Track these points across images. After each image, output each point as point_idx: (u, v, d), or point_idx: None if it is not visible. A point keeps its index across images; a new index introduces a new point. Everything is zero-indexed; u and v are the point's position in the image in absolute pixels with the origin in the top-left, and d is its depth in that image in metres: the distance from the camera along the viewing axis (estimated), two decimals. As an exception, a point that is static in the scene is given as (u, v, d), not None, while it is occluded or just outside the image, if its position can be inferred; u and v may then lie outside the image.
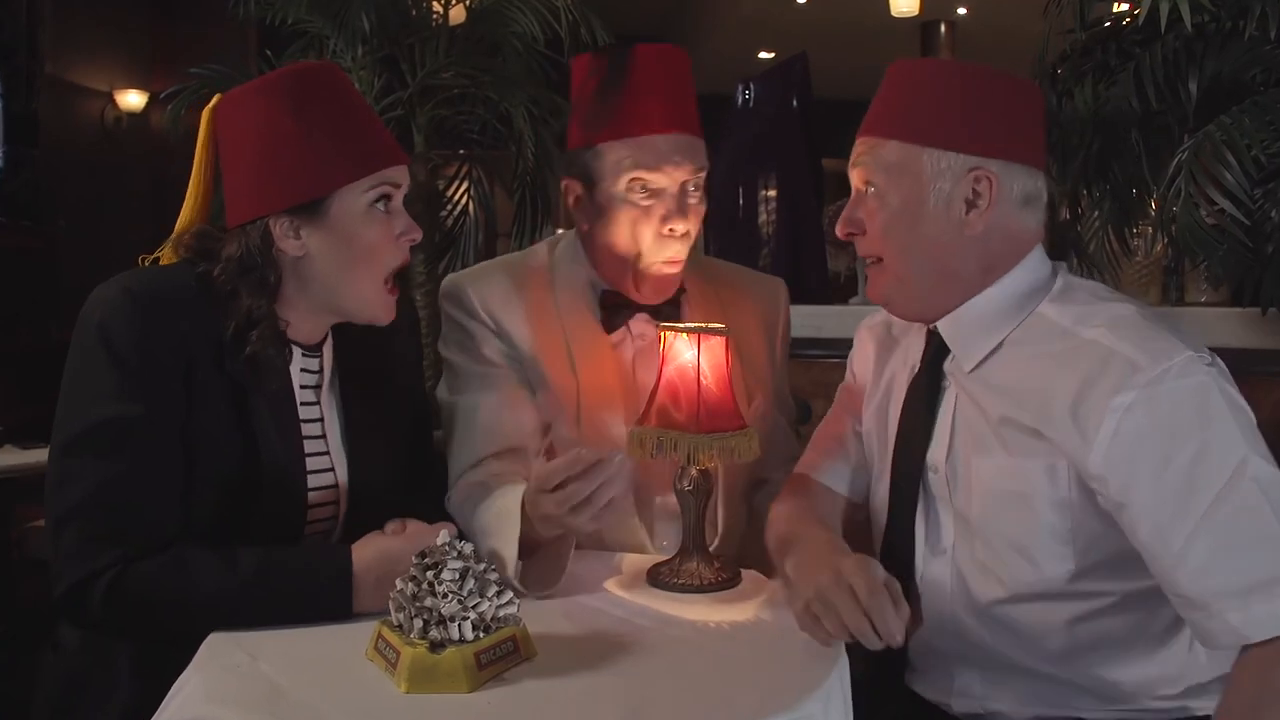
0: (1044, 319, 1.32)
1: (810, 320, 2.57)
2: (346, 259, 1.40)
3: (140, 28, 6.83)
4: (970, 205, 1.32)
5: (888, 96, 1.38)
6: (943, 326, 1.39)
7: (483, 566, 1.15)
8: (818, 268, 3.60)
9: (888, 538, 1.45)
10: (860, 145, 1.39)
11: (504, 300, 1.67)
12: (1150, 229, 2.42)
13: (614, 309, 1.66)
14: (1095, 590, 1.29)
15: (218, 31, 5.33)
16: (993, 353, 1.35)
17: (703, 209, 1.63)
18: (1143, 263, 2.43)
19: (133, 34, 6.79)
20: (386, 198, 1.41)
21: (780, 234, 3.52)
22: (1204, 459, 1.16)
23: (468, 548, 1.15)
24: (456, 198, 3.22)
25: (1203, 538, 1.14)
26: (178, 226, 1.49)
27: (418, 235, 1.45)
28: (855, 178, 1.40)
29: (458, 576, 1.12)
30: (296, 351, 1.47)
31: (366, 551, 1.32)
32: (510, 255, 1.81)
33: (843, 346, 2.79)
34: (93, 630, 1.35)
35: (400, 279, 1.48)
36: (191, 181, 1.49)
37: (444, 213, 3.21)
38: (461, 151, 3.33)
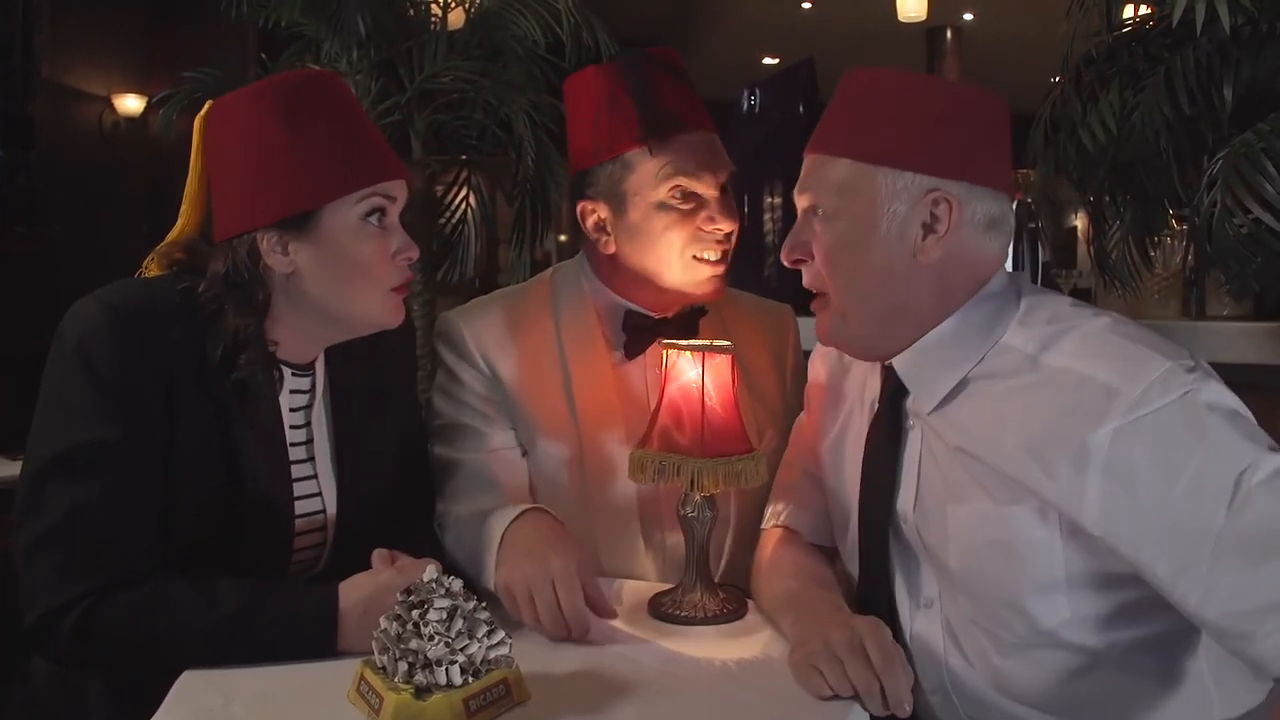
0: (1009, 349, 1.20)
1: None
2: (337, 277, 1.32)
3: (138, 31, 6.77)
4: (927, 230, 1.21)
5: (839, 110, 1.27)
6: (898, 364, 1.27)
7: (472, 605, 1.07)
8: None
9: (863, 594, 1.33)
10: (807, 164, 1.28)
11: (499, 338, 1.59)
12: (1170, 240, 2.35)
13: (638, 331, 1.57)
14: (1097, 642, 1.18)
15: (217, 36, 5.27)
16: (955, 391, 1.23)
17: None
18: (1163, 275, 2.36)
19: (131, 38, 6.74)
20: (380, 211, 1.33)
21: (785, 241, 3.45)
22: (1207, 477, 1.04)
23: (456, 584, 1.08)
24: (455, 205, 3.15)
25: (1226, 559, 1.02)
26: (169, 237, 1.42)
27: (415, 254, 1.37)
28: (802, 200, 1.28)
29: (445, 616, 1.04)
30: (286, 372, 1.40)
31: (355, 588, 1.25)
32: (510, 288, 1.73)
33: (850, 358, 2.73)
34: (62, 665, 1.28)
35: None
36: (187, 191, 1.42)
37: (442, 220, 3.14)
38: (461, 157, 3.26)
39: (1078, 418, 1.09)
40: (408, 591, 1.08)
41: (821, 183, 1.25)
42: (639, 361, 1.58)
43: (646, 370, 1.58)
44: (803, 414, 1.55)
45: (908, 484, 1.28)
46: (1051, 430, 1.11)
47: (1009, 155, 1.28)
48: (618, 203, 1.53)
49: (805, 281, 1.30)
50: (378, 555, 1.30)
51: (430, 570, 1.09)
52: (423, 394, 1.78)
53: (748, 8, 8.66)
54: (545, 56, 3.02)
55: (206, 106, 1.37)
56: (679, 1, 9.45)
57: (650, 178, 1.49)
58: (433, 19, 3.01)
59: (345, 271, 1.32)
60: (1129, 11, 2.08)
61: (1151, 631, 1.16)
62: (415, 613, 1.05)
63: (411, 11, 2.95)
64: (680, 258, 1.52)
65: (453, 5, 3.03)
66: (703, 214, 1.50)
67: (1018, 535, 1.16)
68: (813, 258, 1.27)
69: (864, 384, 1.39)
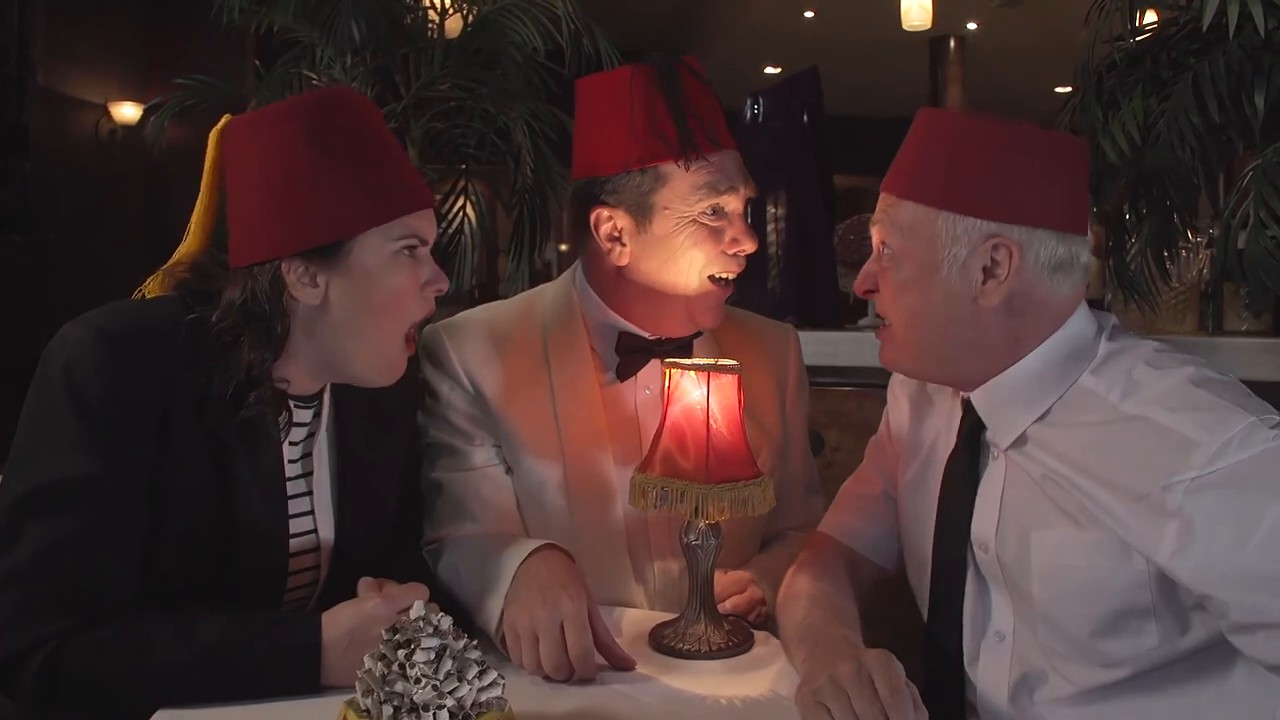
0: (1087, 393, 1.20)
1: (823, 347, 2.43)
2: (366, 310, 1.27)
3: (136, 39, 6.73)
4: (988, 275, 1.22)
5: (909, 151, 1.29)
6: (976, 399, 1.29)
7: (462, 644, 1.00)
8: (828, 289, 3.47)
9: (932, 625, 1.31)
10: (880, 201, 1.30)
11: (484, 355, 1.53)
12: (1184, 252, 2.28)
13: (631, 353, 1.51)
14: (1177, 686, 1.16)
15: (215, 44, 5.22)
16: (1033, 425, 1.23)
17: None
18: (1179, 289, 2.30)
19: (129, 45, 6.69)
20: (414, 249, 1.29)
21: (789, 254, 3.39)
22: None
23: (445, 622, 1.01)
24: (452, 214, 3.08)
25: None
26: (176, 256, 1.35)
27: (444, 285, 1.32)
28: (874, 235, 1.31)
29: (433, 657, 0.98)
30: (292, 406, 1.33)
31: (339, 619, 1.18)
32: (497, 303, 1.67)
33: (856, 375, 2.66)
34: (28, 705, 1.21)
35: None
36: (197, 209, 1.35)
37: (439, 229, 3.07)
38: (459, 166, 3.20)
39: (1156, 466, 1.09)
40: (393, 629, 1.01)
41: (889, 222, 1.27)
42: (629, 380, 1.53)
43: (637, 390, 1.53)
44: (883, 431, 1.54)
45: (989, 513, 1.27)
46: (1130, 475, 1.11)
47: (1082, 195, 1.27)
48: (642, 214, 1.46)
49: (877, 309, 1.35)
50: (364, 584, 1.23)
51: (418, 606, 1.02)
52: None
53: (750, 16, 8.62)
54: (545, 64, 2.95)
55: (223, 121, 1.31)
56: (681, 9, 9.41)
57: (686, 193, 1.44)
58: (430, 25, 2.95)
59: (373, 306, 1.26)
60: (1149, 17, 2.01)
61: (1230, 684, 1.15)
62: (401, 652, 0.99)
63: (408, 18, 2.88)
64: (698, 276, 1.47)
65: (450, 11, 2.96)
66: (729, 235, 1.46)
67: (1105, 561, 1.15)
68: (879, 290, 1.31)
69: (949, 416, 1.38)
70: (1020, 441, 1.24)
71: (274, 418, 1.27)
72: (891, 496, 1.47)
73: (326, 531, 1.38)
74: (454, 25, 3.01)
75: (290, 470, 1.35)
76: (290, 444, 1.35)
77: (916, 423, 1.45)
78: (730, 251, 1.47)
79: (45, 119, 5.90)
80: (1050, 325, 1.24)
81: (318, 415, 1.38)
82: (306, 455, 1.38)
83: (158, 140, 2.96)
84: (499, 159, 3.10)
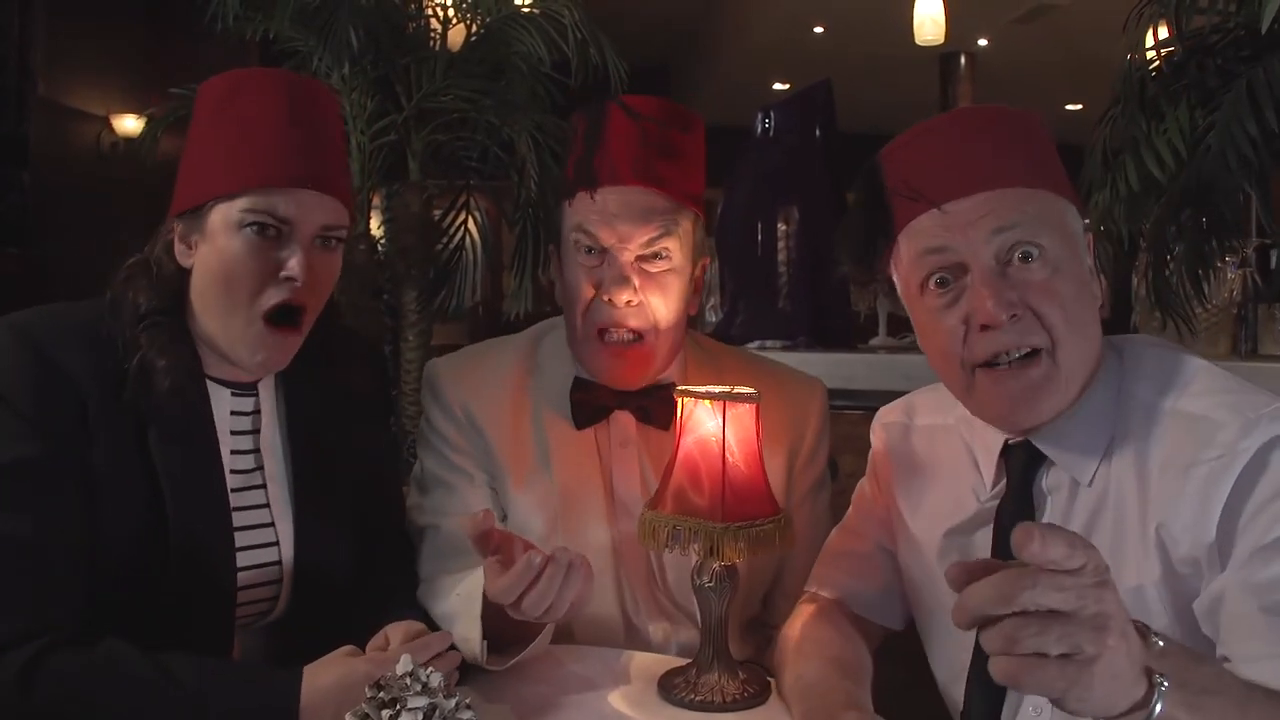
0: (1134, 399, 1.09)
1: (839, 370, 2.34)
2: (215, 276, 1.24)
3: (138, 50, 6.68)
4: (1092, 274, 1.11)
5: (1006, 141, 1.10)
6: (1042, 437, 1.12)
7: (453, 703, 0.91)
8: (840, 307, 3.39)
9: (974, 694, 1.16)
10: (994, 201, 1.06)
11: (480, 392, 1.47)
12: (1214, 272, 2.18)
13: (584, 402, 1.44)
14: None
15: (218, 55, 5.16)
16: (1103, 459, 1.09)
17: (677, 282, 1.40)
18: (1212, 311, 2.19)
19: (131, 58, 6.64)
20: (261, 226, 1.22)
21: (799, 273, 3.32)
22: None
23: (435, 679, 0.92)
24: (454, 229, 3.00)
25: None
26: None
27: (298, 276, 1.22)
28: (1001, 243, 1.06)
29: (421, 718, 0.88)
30: (225, 392, 1.28)
31: (323, 676, 1.08)
32: (500, 339, 1.60)
33: (870, 398, 2.56)
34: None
35: (284, 314, 1.25)
36: None
37: (440, 245, 2.99)
38: (460, 180, 3.12)
39: (1185, 452, 1.01)
40: (377, 686, 0.92)
41: (1034, 220, 1.06)
42: (602, 429, 1.46)
43: (611, 441, 1.46)
44: (866, 481, 1.39)
45: None
46: (1177, 468, 1.02)
47: None
48: (557, 248, 1.47)
49: (1007, 342, 1.07)
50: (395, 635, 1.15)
51: (404, 662, 0.93)
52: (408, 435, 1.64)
53: (759, 31, 8.57)
54: (550, 74, 2.88)
55: None
56: (689, 22, 9.38)
57: (566, 225, 1.42)
58: (432, 35, 2.87)
59: (222, 270, 1.23)
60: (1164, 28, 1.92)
61: None
62: (385, 713, 0.89)
63: (409, 26, 2.81)
64: (583, 324, 1.39)
65: (454, 21, 2.89)
66: (608, 275, 1.37)
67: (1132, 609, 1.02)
68: (1027, 310, 1.06)
69: (956, 468, 1.24)
70: (1093, 479, 1.10)
71: (187, 382, 1.22)
72: (888, 550, 1.33)
73: (288, 543, 1.31)
74: (457, 36, 2.94)
75: (241, 480, 1.28)
76: (234, 433, 1.29)
77: (903, 475, 1.30)
78: (604, 297, 1.37)
79: (47, 131, 5.86)
80: (1098, 334, 1.12)
81: (259, 411, 1.32)
82: (256, 450, 1.31)
83: (151, 150, 2.89)
84: (502, 172, 3.02)
